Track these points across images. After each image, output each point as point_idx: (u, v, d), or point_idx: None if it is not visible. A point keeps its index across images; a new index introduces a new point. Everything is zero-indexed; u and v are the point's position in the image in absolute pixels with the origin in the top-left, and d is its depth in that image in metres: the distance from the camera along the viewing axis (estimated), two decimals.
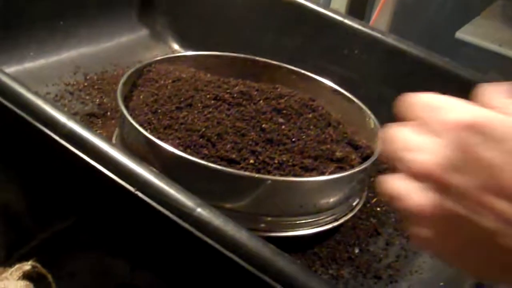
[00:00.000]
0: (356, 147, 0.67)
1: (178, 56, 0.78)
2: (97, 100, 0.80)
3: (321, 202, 0.60)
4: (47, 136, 0.49)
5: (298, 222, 0.60)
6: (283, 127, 0.63)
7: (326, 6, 1.15)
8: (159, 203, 0.44)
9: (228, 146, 0.59)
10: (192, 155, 0.56)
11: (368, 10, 1.44)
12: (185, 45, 0.95)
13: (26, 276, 0.47)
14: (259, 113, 0.64)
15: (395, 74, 0.80)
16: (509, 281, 0.33)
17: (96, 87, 0.83)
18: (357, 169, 0.61)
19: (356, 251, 0.64)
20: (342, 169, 0.62)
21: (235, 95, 0.66)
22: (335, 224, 0.63)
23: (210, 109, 0.64)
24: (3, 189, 0.65)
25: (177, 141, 0.60)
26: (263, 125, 0.63)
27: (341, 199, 0.62)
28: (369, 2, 1.43)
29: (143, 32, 0.95)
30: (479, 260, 0.33)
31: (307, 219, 0.60)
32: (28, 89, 0.53)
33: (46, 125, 0.49)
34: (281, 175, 0.58)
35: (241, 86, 0.68)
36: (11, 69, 0.78)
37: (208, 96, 0.65)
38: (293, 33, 0.86)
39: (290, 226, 0.59)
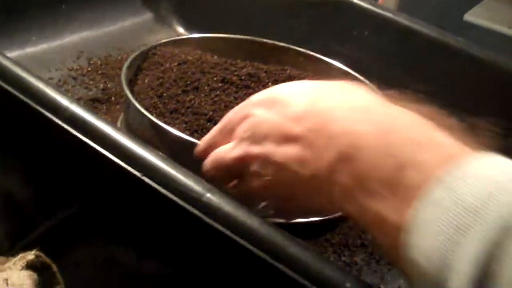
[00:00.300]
0: None
1: (184, 39, 0.76)
2: (101, 85, 0.78)
3: None
4: (50, 120, 0.47)
5: None
6: None
7: None
8: (166, 189, 0.42)
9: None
10: (200, 140, 0.55)
11: None
12: (190, 28, 0.93)
13: (29, 265, 0.46)
14: None
15: (407, 54, 0.78)
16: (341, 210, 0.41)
17: (99, 72, 0.81)
18: None
19: (369, 237, 0.62)
20: None
21: (243, 78, 0.64)
22: None
23: (218, 92, 0.62)
24: (6, 177, 0.64)
25: (184, 125, 0.58)
26: None
27: None
28: None
29: (147, 16, 0.93)
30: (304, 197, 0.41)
31: None
32: (30, 73, 0.51)
33: (48, 109, 0.48)
34: None
35: (249, 68, 0.66)
36: (13, 54, 0.76)
37: (215, 78, 0.63)
38: (301, 14, 0.83)
39: None
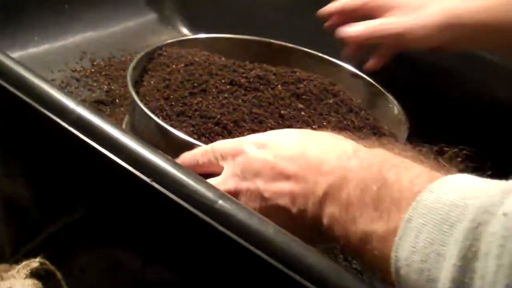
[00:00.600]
0: (379, 135, 0.63)
1: (190, 39, 0.74)
2: (105, 87, 0.77)
3: None
4: (55, 123, 0.46)
5: None
6: (302, 113, 0.60)
7: None
8: (176, 195, 0.40)
9: (245, 134, 0.56)
10: (207, 144, 0.53)
11: None
12: (194, 29, 0.92)
13: (34, 273, 0.44)
14: (277, 99, 0.61)
15: (416, 56, 0.77)
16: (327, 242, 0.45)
17: (103, 73, 0.80)
18: None
19: None
20: None
21: (251, 80, 0.62)
22: None
23: (226, 95, 0.60)
24: (9, 180, 0.62)
25: (191, 129, 0.56)
26: (282, 111, 0.59)
27: None
28: None
29: (151, 16, 0.91)
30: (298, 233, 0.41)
31: None
32: (35, 74, 0.50)
33: (54, 112, 0.46)
34: None
35: (258, 70, 0.64)
36: (15, 54, 0.74)
37: (223, 80, 0.62)
38: (308, 14, 0.82)
39: None
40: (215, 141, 0.55)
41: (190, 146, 0.52)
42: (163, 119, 0.57)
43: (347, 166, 0.40)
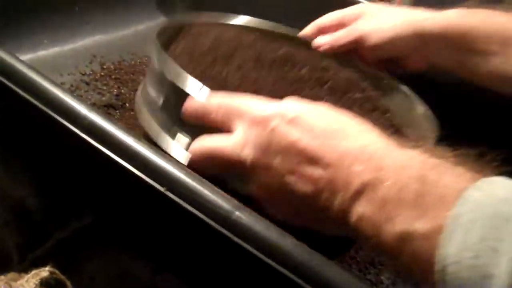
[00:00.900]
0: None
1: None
2: (115, 90, 0.76)
3: None
4: (66, 128, 0.45)
5: None
6: (324, 101, 0.57)
7: None
8: (192, 205, 0.39)
9: None
10: None
11: None
12: None
13: (43, 283, 0.43)
14: (300, 81, 0.59)
15: None
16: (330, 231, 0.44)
17: (113, 76, 0.78)
18: None
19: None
20: None
21: (277, 58, 0.60)
22: None
23: (248, 67, 0.58)
24: (17, 185, 0.61)
25: None
26: (302, 94, 0.57)
27: None
28: None
29: (162, 20, 0.90)
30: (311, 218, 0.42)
31: None
32: (46, 78, 0.49)
33: (66, 118, 0.45)
34: None
35: (286, 50, 0.62)
36: (24, 57, 0.73)
37: (248, 54, 0.60)
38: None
39: None
40: None
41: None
42: None
43: (382, 164, 0.38)
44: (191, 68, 0.56)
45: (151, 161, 0.41)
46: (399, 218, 0.36)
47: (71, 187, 0.58)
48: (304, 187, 0.41)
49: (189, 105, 0.48)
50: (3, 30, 0.72)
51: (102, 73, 0.79)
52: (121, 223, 0.55)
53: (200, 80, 0.53)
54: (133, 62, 0.82)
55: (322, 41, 0.71)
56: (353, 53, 0.70)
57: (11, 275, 0.46)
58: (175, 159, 0.42)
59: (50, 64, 0.76)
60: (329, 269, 0.36)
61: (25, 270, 0.46)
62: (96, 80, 0.77)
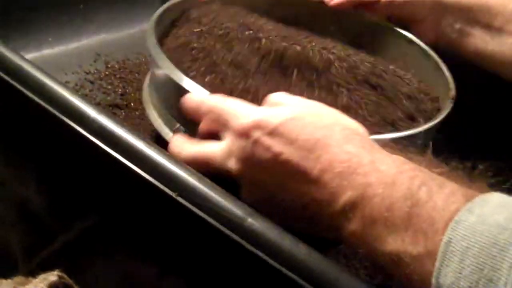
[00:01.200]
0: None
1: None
2: (119, 90, 0.75)
3: None
4: (73, 130, 0.44)
5: None
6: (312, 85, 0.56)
7: None
8: (203, 210, 0.39)
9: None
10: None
11: None
12: None
13: (52, 287, 0.42)
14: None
15: None
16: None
17: (117, 76, 0.78)
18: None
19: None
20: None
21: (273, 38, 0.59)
22: None
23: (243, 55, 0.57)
24: (22, 186, 0.61)
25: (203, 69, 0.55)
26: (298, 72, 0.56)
27: None
28: None
29: None
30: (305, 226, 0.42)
31: None
32: (53, 78, 0.48)
33: (73, 120, 0.44)
34: None
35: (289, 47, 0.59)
36: (29, 56, 0.72)
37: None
38: None
39: None
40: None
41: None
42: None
43: (368, 179, 0.38)
44: (190, 58, 0.56)
45: (163, 166, 0.40)
46: (390, 239, 0.36)
47: (76, 188, 0.58)
48: (290, 201, 0.41)
49: (185, 102, 0.48)
50: (8, 28, 0.71)
51: (107, 72, 0.78)
52: (128, 225, 0.55)
53: (200, 70, 0.54)
54: (137, 61, 0.81)
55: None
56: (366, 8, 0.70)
57: (18, 278, 0.46)
58: (187, 166, 0.42)
59: (54, 62, 0.76)
60: (342, 277, 0.35)
61: (32, 272, 0.46)
62: (101, 79, 0.77)
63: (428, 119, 0.57)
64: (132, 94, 0.75)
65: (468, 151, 0.50)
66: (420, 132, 0.52)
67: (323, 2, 0.71)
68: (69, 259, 0.58)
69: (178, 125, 0.54)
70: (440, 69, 0.63)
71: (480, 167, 0.47)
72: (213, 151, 0.45)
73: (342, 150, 0.40)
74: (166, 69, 0.51)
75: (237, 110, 0.44)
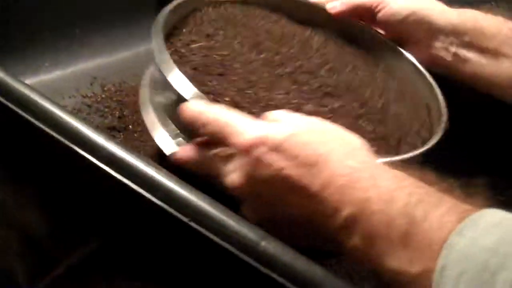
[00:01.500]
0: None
1: None
2: (117, 112, 0.76)
3: None
4: (84, 158, 0.45)
5: None
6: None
7: None
8: (217, 235, 0.39)
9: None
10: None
11: None
12: None
13: None
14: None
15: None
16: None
17: (114, 99, 0.78)
18: None
19: None
20: None
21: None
22: None
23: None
24: (22, 210, 0.61)
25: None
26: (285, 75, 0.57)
27: None
28: None
29: None
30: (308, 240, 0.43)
31: None
32: (57, 105, 0.48)
33: (82, 147, 0.45)
34: None
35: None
36: (27, 81, 0.72)
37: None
38: None
39: None
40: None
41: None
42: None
43: (368, 194, 0.39)
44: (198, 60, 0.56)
45: (176, 192, 0.41)
46: (390, 256, 0.37)
47: (79, 212, 0.58)
48: (292, 215, 0.42)
49: (183, 111, 0.48)
50: (5, 54, 0.72)
51: (103, 95, 0.78)
52: (133, 250, 0.55)
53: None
54: (134, 84, 0.81)
55: (333, 6, 0.71)
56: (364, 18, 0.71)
57: None
58: (197, 190, 0.42)
59: (51, 87, 0.76)
60: None
61: None
62: (98, 103, 0.77)
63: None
64: (130, 117, 0.75)
65: (463, 168, 0.51)
66: (408, 158, 0.53)
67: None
68: (73, 283, 0.58)
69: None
70: (434, 91, 0.64)
71: (476, 182, 0.48)
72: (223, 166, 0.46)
73: (343, 165, 0.41)
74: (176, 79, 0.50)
75: (239, 125, 0.44)
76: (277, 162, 0.42)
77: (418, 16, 0.66)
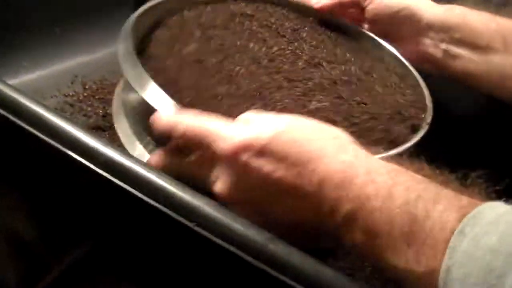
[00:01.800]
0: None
1: None
2: (100, 111, 0.75)
3: None
4: (82, 165, 0.44)
5: None
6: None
7: None
8: (223, 239, 0.39)
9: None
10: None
11: None
12: None
13: None
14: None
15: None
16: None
17: (97, 97, 0.77)
18: None
19: None
20: None
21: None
22: None
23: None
24: (10, 214, 0.60)
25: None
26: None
27: None
28: None
29: None
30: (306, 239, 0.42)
31: None
32: (48, 108, 0.48)
33: (80, 154, 0.44)
34: None
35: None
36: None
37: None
38: None
39: None
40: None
41: None
42: None
43: (366, 191, 0.38)
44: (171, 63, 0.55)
45: (181, 197, 0.40)
46: (394, 254, 0.37)
47: (70, 217, 0.57)
48: (288, 217, 0.41)
49: (155, 121, 0.46)
50: None
51: (85, 94, 0.77)
52: (129, 254, 0.54)
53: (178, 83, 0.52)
54: (114, 81, 0.80)
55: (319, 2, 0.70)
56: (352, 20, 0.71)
57: None
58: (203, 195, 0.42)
59: (32, 87, 0.74)
60: None
61: None
62: (80, 102, 0.76)
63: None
64: None
65: (458, 161, 0.52)
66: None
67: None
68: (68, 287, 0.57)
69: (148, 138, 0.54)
70: (419, 86, 0.65)
71: (472, 175, 0.48)
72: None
73: (337, 160, 0.40)
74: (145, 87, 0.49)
75: (219, 132, 0.43)
76: (266, 166, 0.40)
77: (409, 11, 0.66)
